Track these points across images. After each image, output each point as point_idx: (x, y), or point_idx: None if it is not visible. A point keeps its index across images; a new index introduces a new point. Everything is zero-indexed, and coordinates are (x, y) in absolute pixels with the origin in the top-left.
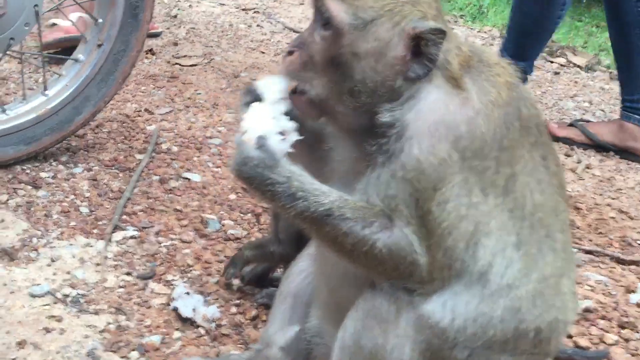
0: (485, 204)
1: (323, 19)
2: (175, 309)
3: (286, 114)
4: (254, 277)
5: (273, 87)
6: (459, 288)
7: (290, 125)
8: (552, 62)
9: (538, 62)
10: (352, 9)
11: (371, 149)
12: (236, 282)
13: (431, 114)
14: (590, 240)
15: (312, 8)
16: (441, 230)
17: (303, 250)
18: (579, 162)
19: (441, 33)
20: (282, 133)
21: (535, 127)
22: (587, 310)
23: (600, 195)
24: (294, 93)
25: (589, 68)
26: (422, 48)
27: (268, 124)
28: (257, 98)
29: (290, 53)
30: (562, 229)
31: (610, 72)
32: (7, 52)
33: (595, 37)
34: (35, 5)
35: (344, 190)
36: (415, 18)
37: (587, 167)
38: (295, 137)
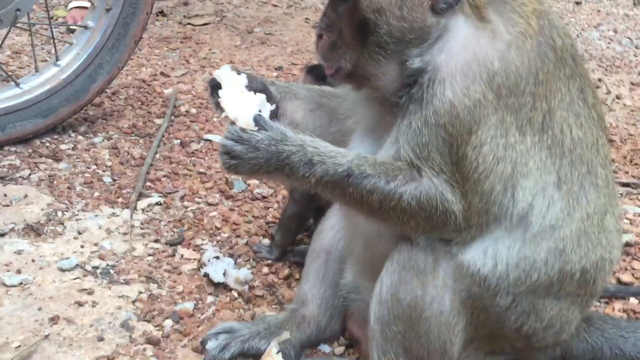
0: (523, 143)
1: None
2: (206, 275)
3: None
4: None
5: (228, 74)
6: (500, 233)
7: (262, 97)
8: None
9: None
10: None
11: (401, 101)
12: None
13: (463, 52)
14: (627, 173)
15: None
16: (477, 175)
17: (331, 206)
18: (608, 92)
19: None
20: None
21: (570, 57)
22: (627, 244)
23: (634, 125)
24: (333, 74)
25: None
26: None
27: (250, 105)
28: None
29: (320, 37)
30: (604, 164)
31: None
32: (16, 25)
33: None
34: None
35: (372, 145)
36: None
37: (617, 97)
38: (270, 107)
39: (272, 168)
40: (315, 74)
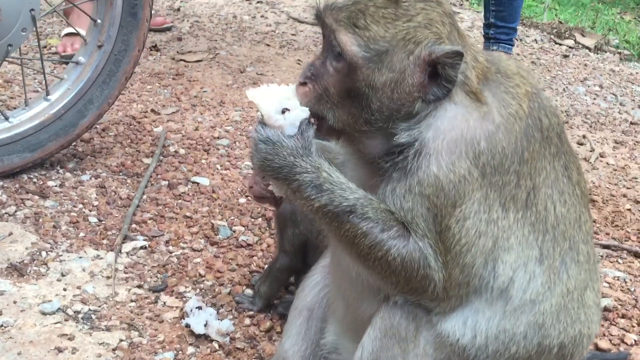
0: (506, 219)
1: (334, 52)
2: (187, 325)
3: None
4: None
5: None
6: (480, 305)
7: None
8: (560, 44)
9: (546, 45)
10: (363, 40)
11: (385, 165)
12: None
13: (451, 131)
14: (607, 234)
15: (323, 37)
16: (460, 247)
17: (316, 263)
18: (592, 150)
19: (458, 55)
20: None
21: (556, 136)
22: (606, 309)
23: (616, 185)
24: (317, 125)
25: (598, 49)
26: (440, 71)
27: (296, 110)
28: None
29: (303, 84)
30: (586, 240)
31: (620, 53)
32: (6, 59)
33: (603, 15)
34: (32, 10)
35: None
36: (430, 42)
37: (601, 156)
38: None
39: (282, 177)
40: None
